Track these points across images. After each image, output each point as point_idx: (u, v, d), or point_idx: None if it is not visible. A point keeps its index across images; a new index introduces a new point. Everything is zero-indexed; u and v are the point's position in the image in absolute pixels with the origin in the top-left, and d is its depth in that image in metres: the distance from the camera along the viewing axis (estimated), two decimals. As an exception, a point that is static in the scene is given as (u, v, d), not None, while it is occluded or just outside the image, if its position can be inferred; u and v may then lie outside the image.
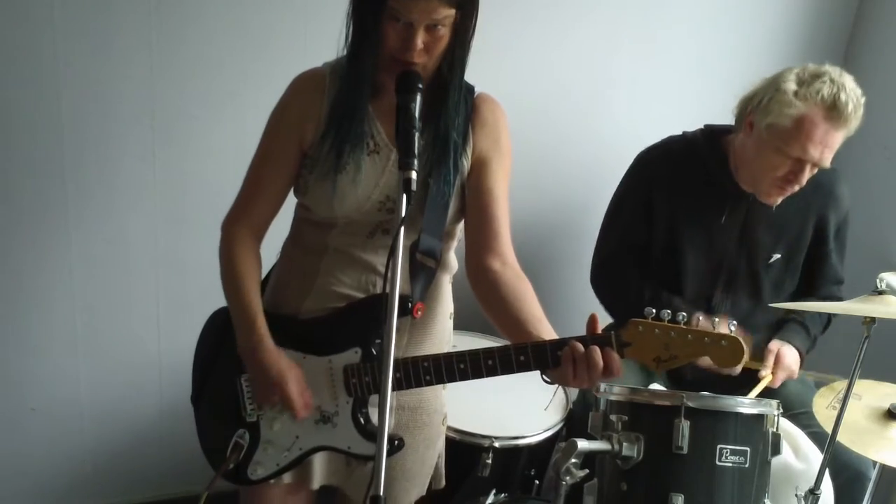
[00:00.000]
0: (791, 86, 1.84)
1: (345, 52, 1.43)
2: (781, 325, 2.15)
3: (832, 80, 1.83)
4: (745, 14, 2.67)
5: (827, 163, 1.89)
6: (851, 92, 1.83)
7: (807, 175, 1.91)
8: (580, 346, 1.28)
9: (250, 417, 1.54)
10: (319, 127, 1.45)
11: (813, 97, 1.82)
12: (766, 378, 2.01)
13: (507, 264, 1.47)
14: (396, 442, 1.50)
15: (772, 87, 1.89)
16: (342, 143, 1.42)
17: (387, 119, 1.42)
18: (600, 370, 1.28)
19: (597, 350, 1.28)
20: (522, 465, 2.06)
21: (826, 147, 1.85)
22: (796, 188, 1.94)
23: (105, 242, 2.20)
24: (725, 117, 2.06)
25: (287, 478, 1.56)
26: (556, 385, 1.35)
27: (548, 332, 1.36)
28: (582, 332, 1.33)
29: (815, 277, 2.16)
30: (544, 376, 1.36)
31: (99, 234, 2.19)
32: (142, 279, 2.27)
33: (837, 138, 1.86)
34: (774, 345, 2.07)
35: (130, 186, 2.18)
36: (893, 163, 2.61)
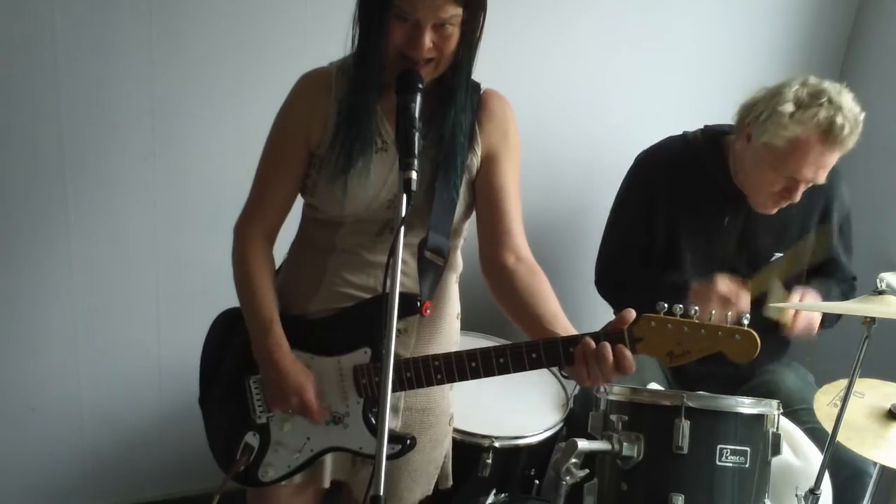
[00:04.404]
0: (788, 107, 1.83)
1: (352, 52, 1.42)
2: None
3: (830, 102, 1.82)
4: (744, 15, 2.67)
5: (822, 180, 1.90)
6: (849, 112, 1.82)
7: (801, 191, 1.92)
8: (592, 343, 1.27)
9: (260, 419, 1.53)
10: (327, 127, 1.44)
11: (809, 121, 1.81)
12: (787, 318, 1.95)
13: (521, 259, 1.46)
14: (409, 441, 1.49)
15: (770, 104, 1.87)
16: (352, 144, 1.41)
17: (394, 117, 1.40)
18: (612, 367, 1.26)
19: (607, 347, 1.26)
20: (522, 465, 2.06)
21: (820, 167, 1.86)
22: (791, 202, 1.95)
23: (105, 242, 2.20)
24: (724, 118, 2.06)
25: (298, 478, 1.55)
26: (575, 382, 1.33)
27: (563, 329, 1.34)
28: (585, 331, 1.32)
29: (824, 276, 2.15)
30: (562, 371, 1.34)
31: (99, 233, 2.19)
32: (142, 279, 2.27)
33: (833, 158, 1.86)
34: (799, 289, 2.01)
35: (130, 186, 2.18)
36: (894, 163, 2.61)
